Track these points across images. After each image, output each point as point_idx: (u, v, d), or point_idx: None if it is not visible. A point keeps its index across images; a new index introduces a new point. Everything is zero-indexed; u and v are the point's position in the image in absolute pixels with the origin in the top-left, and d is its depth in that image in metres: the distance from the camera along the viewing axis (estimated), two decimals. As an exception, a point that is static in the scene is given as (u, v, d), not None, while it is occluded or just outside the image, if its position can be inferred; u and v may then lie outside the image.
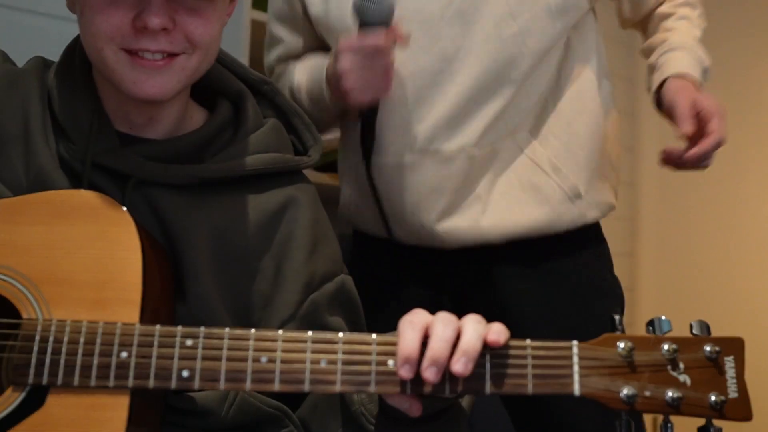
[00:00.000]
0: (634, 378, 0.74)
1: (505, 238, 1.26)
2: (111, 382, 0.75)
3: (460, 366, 0.71)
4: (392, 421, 0.80)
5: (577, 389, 0.73)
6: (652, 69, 1.37)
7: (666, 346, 0.75)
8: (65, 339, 0.76)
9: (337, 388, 0.74)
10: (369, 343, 0.75)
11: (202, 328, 0.76)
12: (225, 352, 0.75)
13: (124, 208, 0.82)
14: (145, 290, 0.79)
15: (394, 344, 0.74)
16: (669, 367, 0.74)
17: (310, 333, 0.75)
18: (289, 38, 1.36)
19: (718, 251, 3.18)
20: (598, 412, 0.74)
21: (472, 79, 1.22)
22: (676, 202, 3.36)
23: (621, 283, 1.38)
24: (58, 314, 0.77)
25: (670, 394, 0.73)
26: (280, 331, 0.76)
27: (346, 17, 1.18)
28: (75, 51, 0.99)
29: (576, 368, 0.73)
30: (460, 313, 0.75)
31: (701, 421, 0.74)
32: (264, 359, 0.74)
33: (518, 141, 1.26)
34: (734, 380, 0.74)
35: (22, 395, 0.76)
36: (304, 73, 1.31)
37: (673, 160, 1.24)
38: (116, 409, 0.75)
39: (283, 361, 0.74)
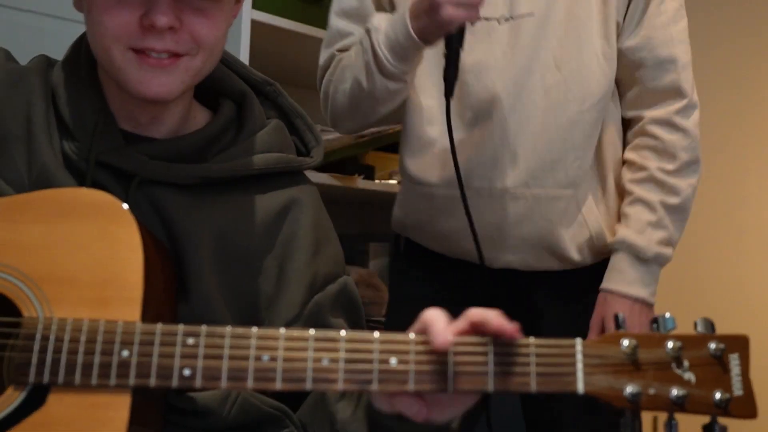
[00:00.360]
0: (638, 376, 0.73)
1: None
2: (112, 381, 0.74)
3: None
4: None
5: (580, 387, 0.72)
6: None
7: (670, 344, 0.74)
8: (66, 338, 0.75)
9: (340, 386, 0.73)
10: (371, 342, 0.74)
11: (204, 327, 0.75)
12: (227, 351, 0.74)
13: (126, 206, 0.81)
14: (147, 289, 0.78)
15: (397, 342, 0.74)
16: (673, 365, 0.74)
17: (312, 331, 0.75)
18: (359, 31, 1.36)
19: (718, 251, 3.18)
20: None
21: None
22: None
23: None
24: (60, 313, 0.77)
25: (674, 392, 0.73)
26: (282, 330, 0.75)
27: None
28: (80, 49, 0.99)
29: (580, 366, 0.73)
30: None
31: (705, 420, 0.74)
32: (266, 358, 0.74)
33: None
34: (739, 378, 0.74)
35: (23, 394, 0.75)
36: (383, 19, 1.30)
37: None
38: (117, 408, 0.74)
39: (285, 360, 0.74)
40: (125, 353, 0.75)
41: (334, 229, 1.08)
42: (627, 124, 1.44)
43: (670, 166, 1.35)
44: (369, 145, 1.98)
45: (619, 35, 1.34)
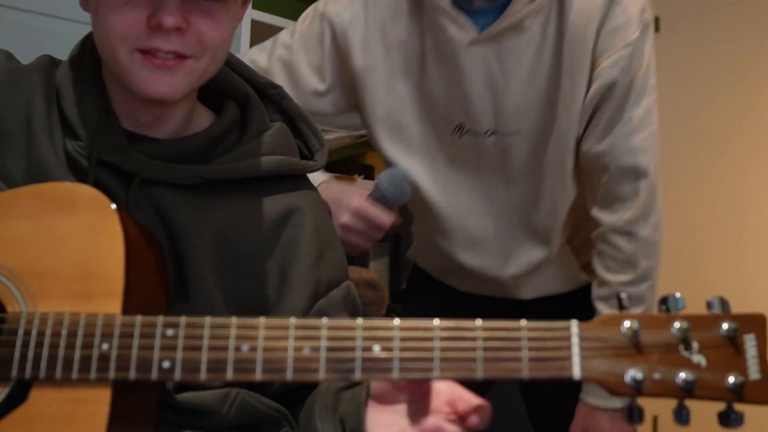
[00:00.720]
0: (641, 360, 0.68)
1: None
2: (92, 375, 0.73)
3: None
4: None
5: (577, 372, 0.67)
6: None
7: (677, 324, 0.68)
8: (48, 332, 0.74)
9: (321, 376, 0.70)
10: (354, 329, 0.71)
11: (183, 317, 0.73)
12: (206, 342, 0.72)
13: (108, 200, 0.80)
14: (128, 282, 0.76)
15: (380, 329, 0.70)
16: (681, 347, 0.68)
17: (292, 320, 0.72)
18: (302, 61, 1.39)
19: (719, 250, 3.11)
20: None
21: None
22: (676, 202, 3.27)
23: None
24: (44, 308, 0.76)
25: (682, 376, 0.67)
26: (262, 319, 0.72)
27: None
28: (85, 48, 0.99)
29: (576, 350, 0.68)
30: None
31: (719, 408, 0.68)
32: (245, 348, 0.71)
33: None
34: (756, 360, 0.67)
35: (7, 390, 0.74)
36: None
37: None
38: (98, 402, 0.72)
39: (265, 350, 0.71)
40: (105, 346, 0.73)
41: (336, 233, 1.06)
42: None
43: (630, 277, 1.36)
44: (369, 145, 1.96)
45: (584, 139, 1.33)
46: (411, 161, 1.38)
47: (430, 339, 0.70)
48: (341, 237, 1.21)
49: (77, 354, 0.73)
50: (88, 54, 0.98)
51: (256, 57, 1.43)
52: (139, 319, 0.74)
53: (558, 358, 0.68)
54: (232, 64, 1.05)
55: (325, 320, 0.72)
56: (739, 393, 0.66)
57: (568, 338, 0.68)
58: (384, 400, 0.80)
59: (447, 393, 0.77)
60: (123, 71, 0.90)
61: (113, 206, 0.79)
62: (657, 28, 3.40)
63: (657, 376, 0.67)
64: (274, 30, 1.72)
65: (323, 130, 1.13)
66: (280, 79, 1.37)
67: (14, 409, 0.73)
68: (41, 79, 0.96)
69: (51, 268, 0.77)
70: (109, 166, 0.91)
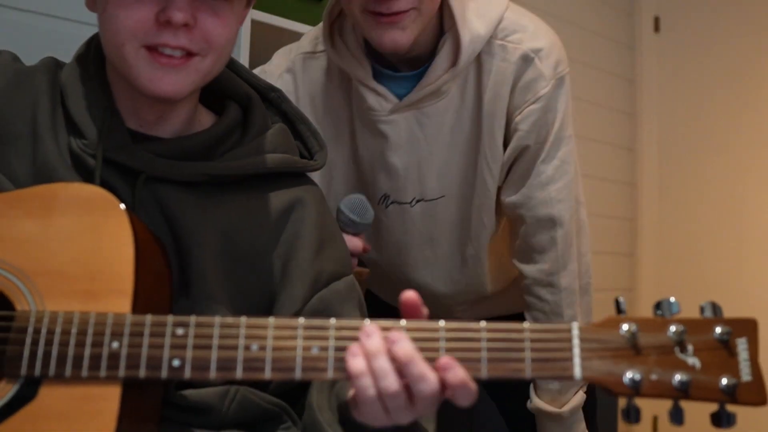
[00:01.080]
0: (639, 361, 0.70)
1: None
2: (102, 373, 0.74)
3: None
4: None
5: (578, 373, 0.70)
6: None
7: (673, 328, 0.71)
8: (57, 330, 0.75)
9: (330, 375, 0.72)
10: (361, 329, 0.72)
11: (193, 317, 0.75)
12: (216, 341, 0.73)
13: (117, 200, 0.81)
14: (138, 281, 0.78)
15: (387, 329, 0.72)
16: (677, 350, 0.71)
17: (301, 320, 0.74)
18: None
19: (718, 251, 3.15)
20: None
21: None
22: (676, 202, 3.33)
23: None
24: (52, 306, 0.77)
25: (678, 377, 0.69)
26: (271, 319, 0.74)
27: None
28: (90, 48, 1.00)
29: (576, 351, 0.70)
30: None
31: (714, 412, 0.71)
32: (255, 347, 0.73)
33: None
34: (747, 362, 0.70)
35: (16, 387, 0.75)
36: None
37: None
38: (108, 400, 0.73)
39: (274, 349, 0.73)
40: (115, 345, 0.74)
41: (338, 228, 1.08)
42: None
43: None
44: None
45: (502, 189, 1.38)
46: None
47: (436, 340, 0.72)
48: None
49: (87, 352, 0.74)
50: (93, 53, 0.99)
51: None
52: (149, 318, 0.75)
53: (559, 359, 0.70)
54: (234, 67, 1.07)
55: (333, 320, 0.73)
56: (732, 394, 0.69)
57: (569, 340, 0.71)
58: None
59: None
60: (129, 68, 0.91)
61: (122, 206, 0.80)
62: (657, 28, 3.43)
63: (654, 377, 0.70)
64: (275, 30, 1.73)
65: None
66: None
67: (23, 406, 0.74)
68: (46, 80, 0.97)
69: (60, 266, 0.78)
70: (114, 164, 0.92)
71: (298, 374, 0.72)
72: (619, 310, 0.74)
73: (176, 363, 0.73)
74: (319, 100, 1.38)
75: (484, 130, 1.32)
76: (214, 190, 0.97)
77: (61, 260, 0.78)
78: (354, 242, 1.22)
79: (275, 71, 1.39)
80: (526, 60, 1.29)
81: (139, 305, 0.78)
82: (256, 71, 1.42)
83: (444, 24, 1.28)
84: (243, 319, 0.74)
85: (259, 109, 1.05)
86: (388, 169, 1.35)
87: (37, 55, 1.02)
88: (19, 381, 0.75)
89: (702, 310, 0.73)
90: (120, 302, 0.76)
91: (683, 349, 0.71)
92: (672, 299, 0.74)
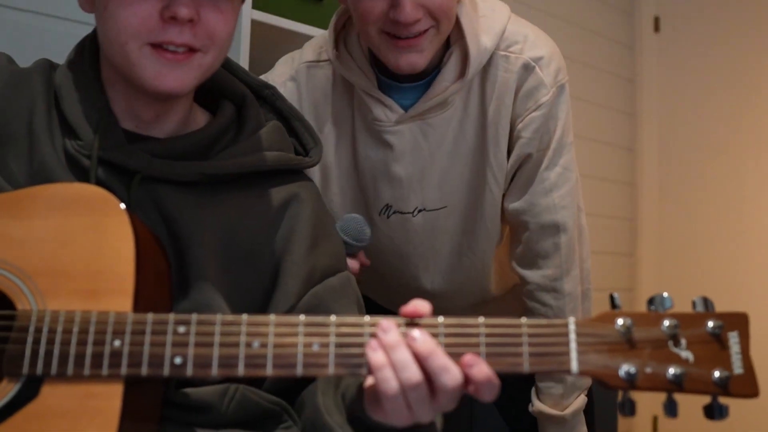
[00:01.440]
0: (634, 355, 0.72)
1: None
2: (104, 371, 0.74)
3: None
4: None
5: (574, 366, 0.71)
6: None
7: (667, 322, 0.72)
8: (59, 329, 0.76)
9: (330, 371, 0.73)
10: (362, 325, 0.74)
11: (194, 315, 0.75)
12: (217, 338, 0.74)
13: (117, 200, 0.82)
14: (138, 281, 0.78)
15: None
16: (670, 343, 0.72)
17: (302, 317, 0.75)
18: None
19: (718, 251, 3.16)
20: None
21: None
22: (676, 202, 3.34)
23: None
24: (53, 305, 0.77)
25: (671, 370, 0.71)
26: (272, 316, 0.75)
27: None
28: (84, 49, 1.00)
29: (573, 345, 0.71)
30: None
31: (706, 404, 0.72)
32: (256, 344, 0.74)
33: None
34: (739, 356, 0.72)
35: (18, 386, 0.75)
36: None
37: None
38: (110, 398, 0.74)
39: (275, 346, 0.74)
40: (117, 343, 0.75)
41: (333, 224, 1.08)
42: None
43: None
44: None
45: (506, 196, 1.40)
46: None
47: (435, 335, 0.73)
48: None
49: (89, 350, 0.75)
50: (87, 56, 1.00)
51: None
52: (150, 316, 0.76)
53: (557, 353, 0.71)
54: (228, 65, 1.08)
55: (333, 317, 0.74)
56: (724, 387, 0.70)
57: (566, 334, 0.72)
58: None
59: None
60: (132, 66, 0.91)
61: (122, 206, 0.81)
62: (657, 28, 3.44)
63: (648, 370, 0.71)
64: (275, 30, 1.73)
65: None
66: None
67: (25, 405, 0.74)
68: (41, 81, 0.97)
69: (60, 266, 0.79)
70: (110, 164, 0.93)
71: (299, 370, 0.73)
72: (613, 305, 0.75)
73: (178, 360, 0.74)
74: (322, 109, 1.39)
75: (489, 140, 1.34)
76: (211, 189, 0.97)
77: (62, 260, 0.79)
78: (350, 264, 1.23)
79: (278, 80, 1.40)
80: (527, 68, 1.31)
81: (140, 304, 0.78)
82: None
83: (450, 37, 1.29)
84: (244, 317, 0.75)
85: (253, 107, 1.06)
86: (391, 179, 1.36)
87: (35, 54, 1.03)
88: (21, 380, 0.76)
89: (694, 305, 0.75)
90: (121, 302, 0.77)
91: (677, 343, 0.72)
92: (665, 294, 0.75)
